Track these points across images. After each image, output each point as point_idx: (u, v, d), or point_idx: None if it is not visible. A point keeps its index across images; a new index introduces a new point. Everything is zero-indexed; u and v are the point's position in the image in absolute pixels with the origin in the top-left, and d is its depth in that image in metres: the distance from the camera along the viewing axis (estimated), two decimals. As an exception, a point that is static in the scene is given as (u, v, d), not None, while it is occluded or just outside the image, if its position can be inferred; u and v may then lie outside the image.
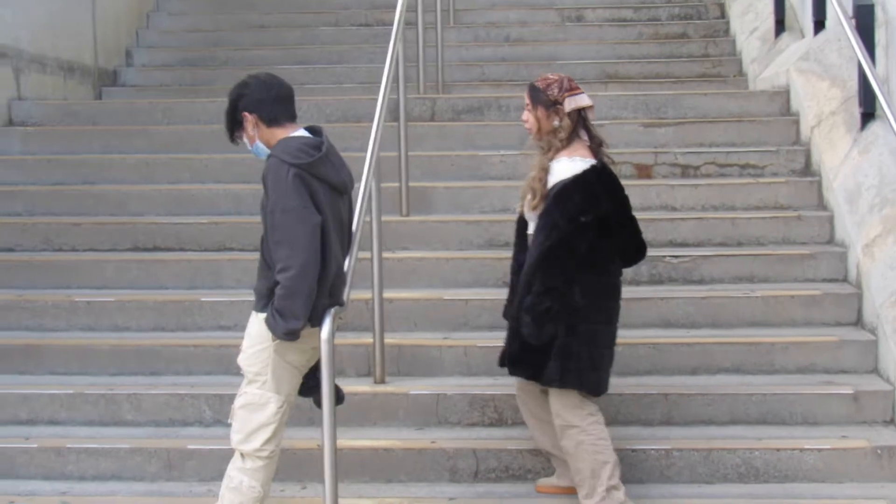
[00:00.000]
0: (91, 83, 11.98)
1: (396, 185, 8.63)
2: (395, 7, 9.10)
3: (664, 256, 8.24)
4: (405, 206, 8.75)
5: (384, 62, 8.32)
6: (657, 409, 7.08)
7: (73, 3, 11.74)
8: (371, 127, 7.56)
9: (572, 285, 6.06)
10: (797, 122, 9.42)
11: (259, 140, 5.81)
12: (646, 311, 7.84)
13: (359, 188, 6.77)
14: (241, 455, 5.79)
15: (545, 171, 6.19)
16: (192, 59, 12.70)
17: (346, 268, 5.90)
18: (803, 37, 10.04)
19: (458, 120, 10.08)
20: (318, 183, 5.61)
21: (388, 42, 11.61)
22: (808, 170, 9.05)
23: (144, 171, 9.65)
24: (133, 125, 10.42)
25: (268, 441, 5.77)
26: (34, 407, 7.44)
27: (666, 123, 9.70)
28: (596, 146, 6.32)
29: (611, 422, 6.94)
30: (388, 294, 7.54)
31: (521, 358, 6.22)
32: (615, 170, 8.82)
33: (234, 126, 5.87)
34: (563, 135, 6.23)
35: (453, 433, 7.04)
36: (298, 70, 11.71)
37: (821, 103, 8.98)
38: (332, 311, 5.70)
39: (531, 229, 6.29)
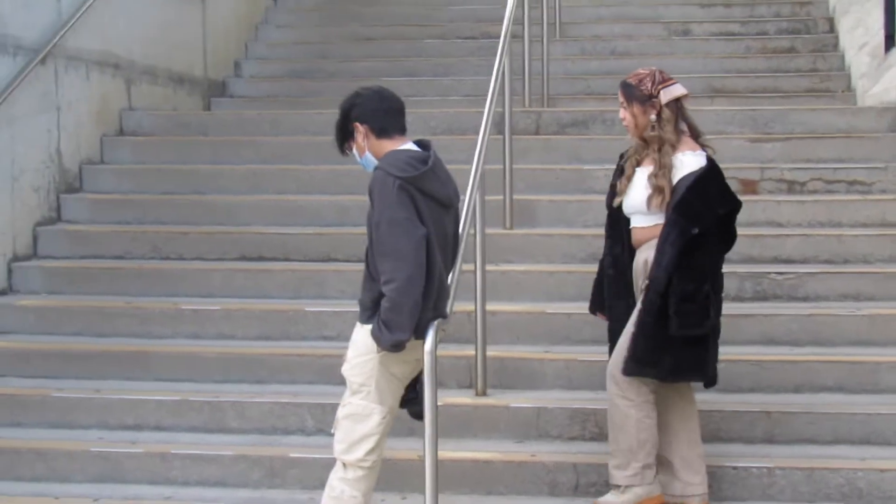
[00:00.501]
0: (200, 94, 12.15)
1: (500, 198, 8.65)
2: (500, 20, 9.13)
3: (769, 273, 8.19)
4: (509, 220, 8.77)
5: (489, 75, 8.35)
6: (759, 426, 7.03)
7: (185, 15, 11.91)
8: (475, 140, 7.59)
9: (713, 273, 6.18)
10: (907, 139, 9.32)
11: (368, 151, 5.86)
12: (749, 327, 7.80)
13: (464, 201, 6.83)
14: (344, 465, 5.84)
15: (670, 167, 6.20)
16: (300, 70, 12.81)
17: (449, 281, 5.94)
18: (914, 52, 9.95)
19: (563, 133, 10.08)
20: (423, 196, 5.64)
21: (493, 55, 11.64)
22: (917, 188, 8.95)
23: (252, 182, 9.76)
24: (241, 136, 10.53)
25: (370, 451, 5.81)
26: (141, 412, 7.56)
27: (773, 139, 9.62)
28: (695, 137, 6.37)
29: (712, 438, 6.96)
30: (490, 307, 7.55)
31: (645, 357, 6.14)
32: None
33: (345, 136, 5.92)
34: (668, 127, 6.26)
35: (553, 447, 7.05)
36: (404, 82, 11.76)
37: (931, 119, 8.90)
38: (436, 323, 5.73)
39: (638, 222, 6.33)
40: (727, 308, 7.71)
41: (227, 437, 7.39)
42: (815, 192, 9.08)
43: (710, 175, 6.19)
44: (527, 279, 8.32)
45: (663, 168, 6.21)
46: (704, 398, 7.19)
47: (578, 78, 11.82)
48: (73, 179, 9.80)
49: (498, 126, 8.60)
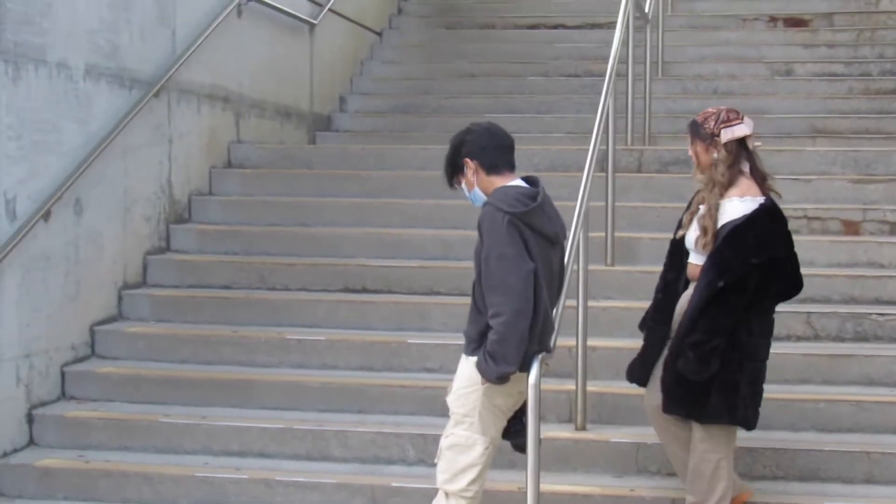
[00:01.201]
0: (306, 128, 12.36)
1: (602, 234, 8.73)
2: (602, 59, 9.21)
3: (870, 314, 8.19)
4: (610, 256, 8.84)
5: (592, 112, 8.41)
6: (859, 467, 7.03)
7: (293, 50, 12.13)
8: (577, 177, 7.68)
9: (740, 324, 6.12)
10: None
11: (477, 187, 5.98)
12: (849, 368, 7.80)
13: (568, 237, 6.94)
14: (446, 494, 5.94)
15: (716, 209, 6.21)
16: (404, 105, 12.98)
17: (554, 315, 6.03)
18: None
19: (665, 172, 10.14)
20: (531, 232, 5.75)
21: (595, 93, 11.78)
22: None
23: (356, 215, 9.91)
24: (346, 169, 10.69)
25: (473, 482, 5.91)
26: (245, 439, 7.70)
27: (876, 180, 9.61)
28: (760, 180, 6.31)
29: (810, 478, 7.02)
30: (591, 342, 7.63)
31: (678, 395, 6.26)
32: (821, 225, 8.94)
33: (454, 171, 6.05)
34: (721, 168, 6.24)
35: (653, 482, 7.10)
36: (507, 119, 11.85)
37: None
38: (540, 356, 5.83)
39: (693, 259, 6.35)
40: (827, 348, 7.85)
41: (329, 465, 7.51)
42: (918, 234, 9.08)
43: (752, 223, 6.13)
44: (627, 315, 8.34)
45: (710, 209, 6.23)
46: (805, 438, 7.25)
47: (680, 117, 11.81)
48: (182, 210, 10.02)
49: (600, 164, 8.67)
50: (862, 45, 13.27)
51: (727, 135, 6.27)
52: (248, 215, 10.11)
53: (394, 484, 7.17)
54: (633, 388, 7.58)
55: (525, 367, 5.75)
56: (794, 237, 6.42)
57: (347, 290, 9.14)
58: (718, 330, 6.08)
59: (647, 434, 7.31)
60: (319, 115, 12.66)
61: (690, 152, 6.45)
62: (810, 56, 13.18)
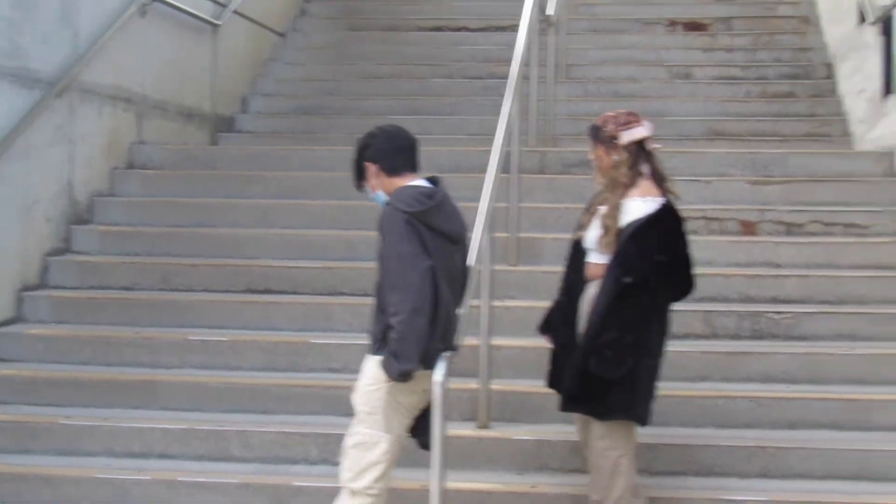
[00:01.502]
0: (208, 129, 12.33)
1: (507, 235, 8.80)
2: (506, 61, 9.27)
3: (767, 312, 8.34)
4: (514, 256, 8.92)
5: (495, 114, 8.48)
6: (755, 461, 7.17)
7: (196, 51, 12.10)
8: (482, 178, 7.75)
9: (646, 322, 6.23)
10: (903, 184, 9.49)
11: (381, 189, 6.05)
12: (746, 365, 7.95)
13: (472, 237, 7.03)
14: (351, 493, 5.98)
15: (617, 209, 6.30)
16: (307, 107, 12.98)
17: (459, 314, 6.09)
18: (912, 99, 10.13)
19: (568, 173, 10.25)
20: (430, 231, 5.82)
21: (498, 95, 11.79)
22: (913, 231, 9.12)
23: (260, 216, 9.91)
24: (250, 171, 10.68)
25: (377, 479, 5.97)
26: (147, 440, 7.67)
27: (773, 181, 9.78)
28: (659, 181, 6.41)
29: (708, 472, 7.14)
30: (495, 341, 7.69)
31: (578, 394, 6.34)
32: (720, 226, 9.09)
33: (360, 174, 6.14)
34: (623, 170, 6.34)
35: (554, 479, 7.18)
36: (412, 120, 11.82)
37: (928, 165, 9.06)
38: (446, 355, 5.90)
39: (592, 258, 6.42)
40: (725, 346, 7.98)
41: (232, 465, 7.50)
42: (813, 234, 9.26)
43: (654, 222, 6.23)
44: (530, 315, 8.34)
45: (612, 209, 6.31)
46: (703, 433, 7.39)
47: (582, 119, 11.85)
48: (84, 211, 9.95)
49: (504, 165, 8.73)
50: (759, 49, 13.47)
51: (627, 137, 6.37)
52: (150, 216, 10.07)
53: (296, 483, 7.19)
54: (536, 387, 7.66)
55: (429, 365, 5.80)
56: (694, 237, 6.56)
57: (251, 290, 9.14)
58: (630, 326, 6.18)
59: (549, 431, 7.42)
60: (222, 116, 12.63)
61: (591, 156, 6.52)
62: (709, 60, 13.35)
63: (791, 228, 9.30)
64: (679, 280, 6.34)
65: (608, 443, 6.35)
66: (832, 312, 8.38)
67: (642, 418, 6.34)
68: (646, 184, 6.36)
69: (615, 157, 6.37)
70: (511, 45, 12.63)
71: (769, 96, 12.42)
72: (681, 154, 10.22)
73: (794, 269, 8.86)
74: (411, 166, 6.10)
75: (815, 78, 12.72)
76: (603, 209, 6.42)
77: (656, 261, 6.20)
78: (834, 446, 7.18)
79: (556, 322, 6.68)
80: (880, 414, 7.46)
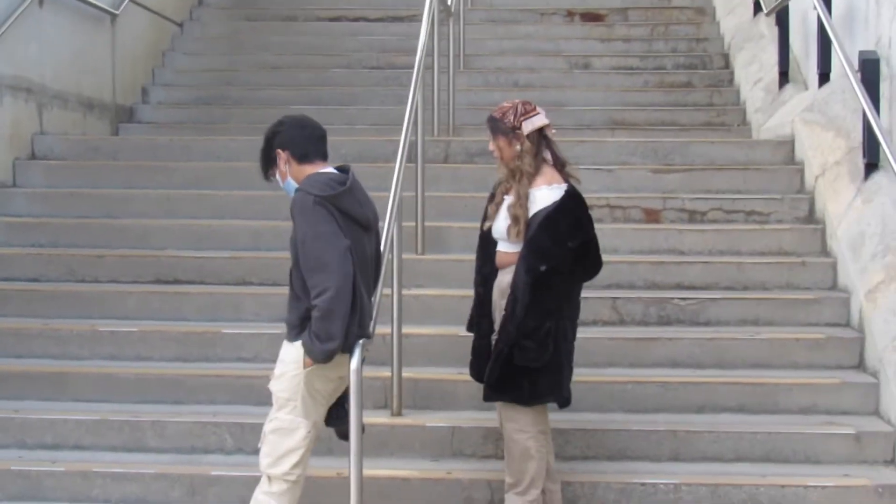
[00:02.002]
0: (109, 119, 12.25)
1: (413, 224, 8.86)
2: (404, 51, 9.32)
3: (672, 298, 8.49)
4: (421, 245, 8.98)
5: (395, 104, 8.56)
6: (665, 445, 7.31)
7: (95, 41, 12.01)
8: (385, 167, 7.83)
9: (560, 307, 6.34)
10: (801, 171, 9.68)
11: (290, 176, 6.09)
12: (654, 351, 8.10)
13: (381, 227, 7.08)
14: (269, 479, 6.03)
15: (526, 197, 6.38)
16: (207, 97, 12.95)
17: (372, 302, 6.15)
18: (807, 88, 10.35)
19: (471, 162, 10.32)
20: (341, 215, 5.88)
21: (398, 85, 12.00)
22: (812, 217, 9.31)
23: (166, 206, 9.88)
24: (153, 161, 10.64)
25: (295, 465, 6.02)
26: (60, 432, 7.63)
27: (674, 170, 9.95)
28: (560, 167, 6.52)
29: (620, 457, 7.26)
30: (405, 330, 7.74)
31: (499, 384, 6.40)
32: (623, 214, 9.24)
33: (268, 163, 6.16)
34: (528, 159, 6.43)
35: (468, 465, 7.26)
36: (311, 110, 11.66)
37: (825, 153, 9.25)
38: (361, 342, 5.95)
39: (502, 247, 6.50)
40: (633, 332, 8.12)
41: (147, 456, 7.48)
42: (715, 221, 9.42)
43: (563, 209, 6.35)
44: (438, 303, 8.52)
45: (519, 199, 6.39)
46: (613, 418, 7.50)
47: (483, 109, 11.87)
48: (-14, 203, 9.87)
49: (409, 154, 8.79)
50: (656, 39, 13.69)
51: (528, 126, 6.45)
52: (54, 207, 10.00)
53: (213, 473, 7.20)
54: (448, 374, 7.81)
55: (349, 349, 5.86)
56: (598, 225, 6.71)
57: (159, 281, 9.10)
58: (548, 313, 6.28)
59: (461, 418, 7.50)
60: (122, 106, 12.55)
61: (492, 147, 6.59)
62: (607, 50, 13.53)
63: (693, 216, 9.46)
64: (590, 262, 6.48)
65: (516, 426, 6.44)
66: (736, 298, 8.54)
67: (567, 400, 6.48)
68: (549, 171, 6.47)
69: (518, 147, 6.45)
70: (409, 36, 12.79)
71: (667, 86, 12.61)
72: (582, 143, 10.35)
73: (697, 256, 9.02)
74: (322, 154, 6.15)
75: (712, 68, 12.95)
76: (508, 199, 6.50)
77: (569, 247, 6.31)
78: (742, 429, 7.34)
79: (477, 314, 6.75)
80: (785, 397, 7.64)
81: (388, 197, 7.46)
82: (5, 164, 10.21)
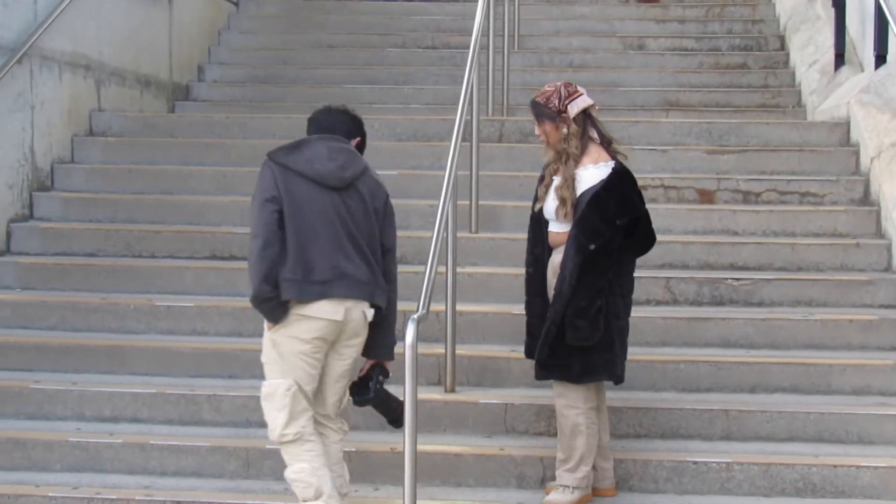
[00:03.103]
0: (165, 97, 12.34)
1: (467, 203, 8.90)
2: (459, 31, 9.32)
3: (726, 279, 8.51)
4: (475, 224, 9.03)
5: (449, 84, 8.56)
6: (718, 424, 7.33)
7: (152, 19, 12.10)
8: (439, 146, 7.86)
9: (611, 285, 6.39)
10: (857, 153, 9.67)
11: None
12: (707, 330, 8.11)
13: (437, 205, 7.16)
14: (282, 451, 6.17)
15: (572, 179, 6.44)
16: (262, 76, 13.00)
17: (363, 268, 6.18)
18: (863, 70, 10.30)
19: (525, 142, 10.32)
20: (291, 173, 6.09)
21: (452, 65, 12.04)
22: (867, 199, 9.30)
23: (221, 183, 9.96)
24: (210, 138, 10.73)
25: (287, 424, 6.11)
26: (118, 405, 7.73)
27: (728, 151, 9.95)
28: (607, 143, 6.56)
29: (673, 435, 7.27)
30: (459, 307, 7.79)
31: (551, 363, 6.49)
32: (678, 194, 9.24)
33: None
34: (574, 141, 6.50)
35: (521, 441, 7.30)
36: (366, 90, 12.04)
37: (881, 135, 9.22)
38: (416, 317, 6.05)
39: (553, 227, 6.58)
40: (686, 312, 8.13)
41: (202, 429, 7.57)
42: (769, 202, 9.42)
43: (610, 187, 6.41)
44: (492, 281, 8.57)
45: (566, 180, 6.46)
46: (666, 397, 7.53)
47: (537, 89, 11.92)
48: (45, 178, 9.97)
49: (463, 133, 8.82)
50: (711, 20, 13.65)
51: (574, 108, 6.51)
52: (111, 183, 10.10)
53: (268, 446, 7.21)
54: (501, 352, 7.86)
55: (287, 295, 6.03)
56: (652, 205, 6.81)
57: (215, 257, 9.19)
58: (598, 292, 6.35)
59: (514, 395, 7.54)
60: (178, 84, 12.64)
61: (538, 131, 6.68)
62: (662, 31, 13.52)
63: (748, 197, 9.46)
64: (642, 238, 6.53)
65: (567, 402, 6.51)
66: (790, 279, 8.56)
67: (621, 377, 6.55)
68: (595, 149, 6.53)
69: (564, 129, 6.51)
70: (464, 16, 12.83)
71: (722, 67, 12.59)
72: (637, 124, 10.37)
73: (751, 237, 9.03)
74: (313, 131, 6.37)
75: (768, 49, 12.91)
76: (557, 180, 6.56)
77: (618, 225, 6.36)
78: (795, 409, 7.34)
79: (529, 293, 6.81)
80: (839, 377, 7.64)
81: (444, 175, 7.49)
82: (64, 140, 10.31)
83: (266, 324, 6.12)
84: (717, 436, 7.31)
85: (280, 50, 13.66)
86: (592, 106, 6.58)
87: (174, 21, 12.54)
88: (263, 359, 6.18)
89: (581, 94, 6.55)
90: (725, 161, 9.85)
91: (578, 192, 6.44)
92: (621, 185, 6.45)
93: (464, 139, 8.52)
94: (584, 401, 6.51)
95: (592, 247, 6.33)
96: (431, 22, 13.95)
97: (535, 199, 6.80)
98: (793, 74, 12.11)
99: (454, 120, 8.13)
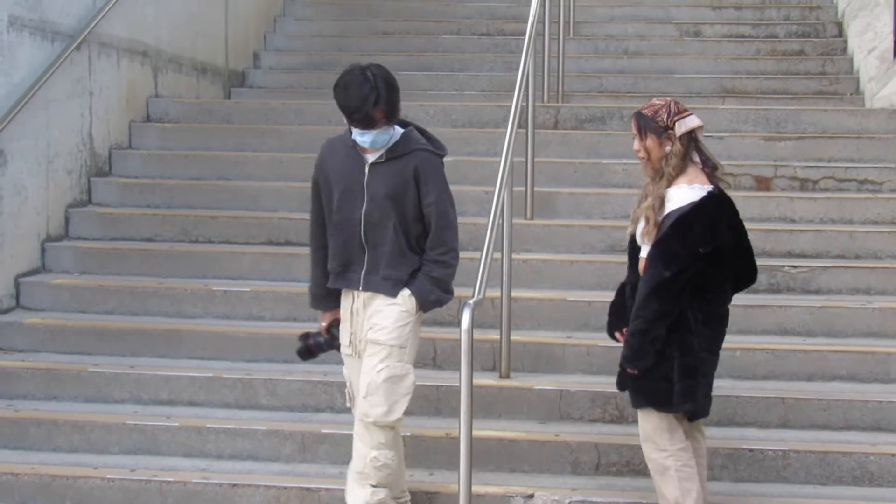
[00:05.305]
0: (221, 84, 12.39)
1: (522, 189, 8.89)
2: (514, 18, 9.30)
3: (783, 266, 8.47)
4: (530, 210, 9.02)
5: (504, 71, 8.55)
6: (774, 412, 7.31)
7: (209, 6, 12.15)
8: (494, 132, 7.86)
9: (685, 312, 5.97)
10: (916, 141, 9.60)
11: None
12: (764, 318, 8.08)
13: (493, 192, 7.19)
14: (380, 429, 6.15)
15: (661, 199, 6.02)
16: (317, 62, 13.00)
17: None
18: (922, 57, 10.23)
19: (581, 128, 10.33)
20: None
21: (507, 51, 12.03)
22: (925, 187, 9.24)
23: (277, 169, 9.99)
24: (266, 124, 10.77)
25: (404, 411, 6.21)
26: (174, 388, 7.80)
27: (786, 138, 9.91)
28: (710, 169, 6.12)
29: (729, 423, 7.26)
30: (513, 293, 7.80)
31: (638, 386, 6.12)
32: (734, 181, 9.12)
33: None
34: (674, 161, 6.02)
35: (576, 428, 7.31)
36: (421, 76, 12.05)
37: (940, 123, 9.16)
38: (472, 302, 6.10)
39: (644, 253, 6.11)
40: (742, 299, 7.92)
41: (259, 413, 7.63)
42: (826, 189, 9.38)
43: (699, 210, 5.95)
44: (547, 268, 8.57)
45: (655, 200, 6.04)
46: (722, 384, 7.41)
47: (592, 76, 12.06)
48: (103, 163, 10.04)
49: (518, 120, 8.81)
50: (768, 7, 13.54)
51: (681, 127, 6.06)
52: (168, 169, 10.16)
53: (323, 430, 7.31)
54: (556, 338, 7.89)
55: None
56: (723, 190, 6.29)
57: (271, 242, 9.23)
58: (659, 319, 5.94)
59: (569, 382, 7.55)
60: (234, 71, 12.68)
61: (637, 147, 6.16)
62: (718, 17, 13.43)
63: (805, 184, 9.42)
64: (736, 269, 6.16)
65: (650, 445, 6.16)
66: (847, 267, 8.51)
67: (704, 410, 6.16)
68: (694, 170, 6.07)
69: (668, 147, 6.05)
70: (519, 3, 12.81)
71: (779, 54, 12.50)
72: (693, 111, 10.25)
73: (808, 224, 8.99)
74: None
75: (825, 36, 12.81)
76: (648, 200, 6.14)
77: (699, 253, 5.94)
78: (852, 398, 7.31)
79: (611, 320, 6.41)
80: (897, 366, 7.61)
81: (499, 162, 7.49)
82: (121, 126, 10.37)
83: (414, 309, 6.19)
84: (773, 424, 7.28)
85: (335, 37, 13.68)
86: (700, 127, 6.12)
87: (230, 8, 12.58)
88: (398, 342, 6.13)
89: (690, 114, 6.11)
90: (782, 148, 9.80)
91: (666, 212, 6.01)
92: (714, 210, 5.99)
93: (519, 126, 8.51)
94: (671, 442, 6.07)
95: (668, 273, 5.90)
96: (486, 9, 13.91)
97: (632, 221, 6.32)
98: (851, 61, 12.00)
99: (510, 106, 8.14)
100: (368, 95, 6.13)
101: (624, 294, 6.37)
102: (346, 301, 6.36)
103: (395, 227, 6.14)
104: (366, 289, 6.23)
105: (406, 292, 6.12)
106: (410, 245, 6.15)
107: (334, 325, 6.50)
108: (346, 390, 6.54)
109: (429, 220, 6.18)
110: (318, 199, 6.45)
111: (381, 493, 6.22)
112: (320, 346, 6.62)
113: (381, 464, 6.14)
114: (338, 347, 6.48)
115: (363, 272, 6.22)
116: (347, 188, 6.23)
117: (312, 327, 8.21)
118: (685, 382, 6.04)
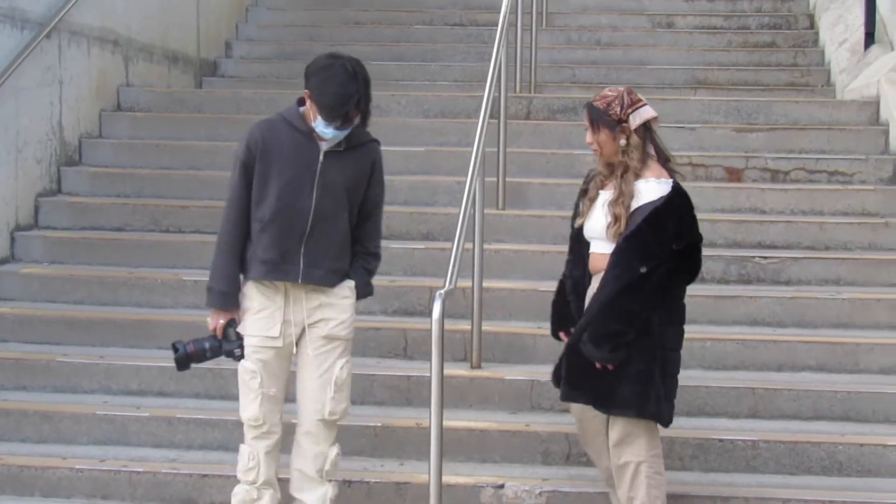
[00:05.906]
0: (193, 73, 12.35)
1: (494, 179, 8.87)
2: (486, 9, 9.29)
3: (753, 257, 8.49)
4: (502, 200, 9.01)
5: (477, 61, 8.54)
6: (744, 402, 7.31)
7: (181, -5, 12.14)
8: (467, 123, 7.84)
9: (653, 311, 5.82)
10: (886, 132, 9.64)
11: None
12: (734, 309, 8.10)
13: (464, 182, 7.17)
14: (335, 427, 6.13)
15: (630, 195, 5.81)
16: (289, 52, 12.97)
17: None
18: (893, 49, 10.25)
19: (553, 119, 10.34)
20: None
21: (480, 42, 12.03)
22: (895, 179, 9.26)
23: (249, 159, 9.94)
24: (237, 114, 10.71)
25: None
26: (144, 378, 7.76)
27: (757, 129, 9.94)
28: (664, 161, 5.96)
29: (699, 413, 7.27)
30: (485, 283, 7.78)
31: (582, 383, 5.96)
32: (706, 172, 9.20)
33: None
34: (636, 154, 5.84)
35: (546, 418, 7.29)
36: (393, 66, 12.03)
37: (911, 114, 9.20)
38: (442, 292, 6.06)
39: (597, 248, 5.97)
40: (713, 290, 8.11)
41: (229, 403, 7.48)
42: (797, 181, 9.40)
43: (671, 206, 5.79)
44: (519, 258, 8.57)
45: (623, 196, 5.81)
46: (692, 374, 7.47)
47: (564, 66, 12.06)
48: (73, 152, 10.00)
49: (490, 110, 8.78)
50: (740, -1, 13.60)
51: (636, 119, 5.87)
52: (139, 158, 10.13)
53: (293, 420, 7.26)
54: (527, 328, 7.87)
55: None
56: (680, 183, 6.11)
57: (241, 232, 9.18)
58: (635, 320, 5.77)
59: (540, 372, 7.49)
60: (206, 60, 12.65)
61: (590, 140, 5.97)
62: (691, 9, 13.46)
63: (776, 175, 9.45)
64: (693, 265, 6.00)
65: (626, 448, 5.96)
66: (817, 258, 8.54)
67: (660, 416, 5.96)
68: (655, 165, 5.92)
69: (622, 141, 5.86)
70: (490, -8, 12.77)
71: (751, 46, 12.53)
72: (665, 101, 10.27)
73: (779, 216, 9.02)
74: None
75: (797, 28, 12.84)
76: (605, 195, 5.95)
77: (673, 250, 5.79)
78: (822, 388, 7.33)
79: (570, 319, 6.17)
80: (866, 357, 7.62)
81: (471, 152, 7.49)
82: (92, 115, 10.34)
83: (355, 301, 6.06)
84: (743, 414, 7.29)
85: (307, 26, 13.65)
86: (654, 118, 5.93)
87: (202, -3, 12.58)
88: (350, 336, 6.05)
89: (644, 104, 5.90)
90: (754, 139, 9.83)
91: (635, 206, 5.80)
92: (680, 206, 5.82)
93: (491, 116, 8.51)
94: (648, 448, 5.93)
95: (643, 269, 5.70)
96: (459, -1, 13.94)
97: (576, 214, 6.19)
98: (822, 53, 12.04)
99: (482, 97, 8.13)
100: (352, 96, 5.85)
101: (564, 291, 6.24)
102: (270, 292, 5.99)
103: (346, 220, 5.96)
104: (307, 282, 5.90)
105: (350, 283, 6.00)
106: (352, 237, 6.00)
107: (230, 324, 6.16)
108: (257, 387, 6.20)
109: (369, 212, 6.04)
110: (247, 184, 6.03)
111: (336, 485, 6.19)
112: (204, 352, 6.22)
113: (337, 457, 6.13)
114: (227, 352, 6.19)
115: (302, 264, 5.88)
116: (295, 176, 5.86)
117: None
118: (668, 384, 5.95)
